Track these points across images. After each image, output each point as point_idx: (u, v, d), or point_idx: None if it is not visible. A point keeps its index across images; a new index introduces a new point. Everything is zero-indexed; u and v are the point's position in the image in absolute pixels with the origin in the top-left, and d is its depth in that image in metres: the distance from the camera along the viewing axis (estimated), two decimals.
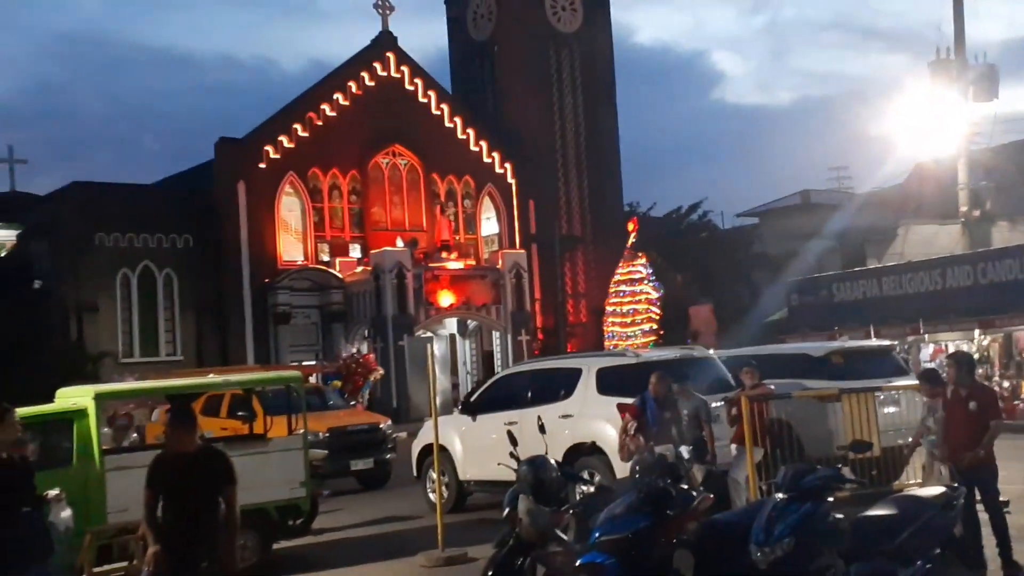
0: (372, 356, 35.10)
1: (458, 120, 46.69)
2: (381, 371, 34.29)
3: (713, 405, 12.55)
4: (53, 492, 7.74)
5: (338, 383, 29.82)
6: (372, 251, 41.06)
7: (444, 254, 42.36)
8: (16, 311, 36.26)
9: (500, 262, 42.82)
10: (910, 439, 10.99)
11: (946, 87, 27.83)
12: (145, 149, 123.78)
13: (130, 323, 38.64)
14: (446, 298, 40.91)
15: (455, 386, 41.26)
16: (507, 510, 7.72)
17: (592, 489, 9.84)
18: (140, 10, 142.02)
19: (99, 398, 11.42)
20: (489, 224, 47.63)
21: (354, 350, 35.60)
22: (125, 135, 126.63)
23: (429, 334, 38.73)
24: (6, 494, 6.43)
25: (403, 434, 21.45)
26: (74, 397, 11.90)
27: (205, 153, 43.15)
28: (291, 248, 42.20)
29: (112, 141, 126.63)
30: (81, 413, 11.25)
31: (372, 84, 44.37)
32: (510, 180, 47.54)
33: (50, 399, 12.36)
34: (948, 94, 27.81)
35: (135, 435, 15.76)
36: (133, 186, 42.75)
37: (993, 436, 8.87)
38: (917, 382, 11.26)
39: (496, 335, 42.51)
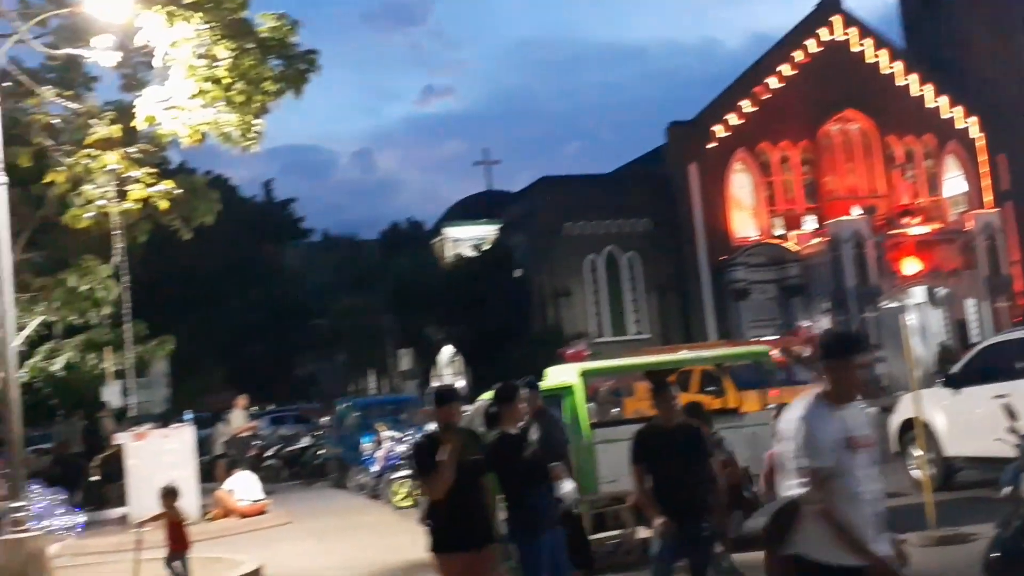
0: (801, 332, 34.69)
1: (913, 76, 44.04)
2: (806, 350, 33.88)
3: None
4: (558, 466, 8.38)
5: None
6: (828, 222, 39.99)
7: (906, 219, 40.27)
8: (501, 297, 39.83)
9: (969, 224, 39.85)
10: None
11: None
12: (602, 140, 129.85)
13: (598, 305, 40.95)
14: (911, 266, 38.87)
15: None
16: (1009, 488, 7.35)
17: None
18: (587, 10, 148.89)
19: (585, 375, 12.27)
20: (954, 184, 44.46)
21: (806, 324, 35.34)
22: (584, 129, 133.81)
23: (897, 303, 37.08)
24: (528, 469, 7.11)
25: (873, 409, 20.67)
26: (562, 374, 12.89)
27: (657, 139, 44.52)
28: (744, 224, 42.29)
29: (573, 135, 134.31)
30: (569, 389, 12.16)
31: (818, 50, 43.17)
32: (976, 135, 44.04)
33: (536, 377, 13.46)
34: None
35: (616, 409, 16.77)
36: (594, 177, 45.16)
37: None
38: None
39: (970, 303, 39.64)
